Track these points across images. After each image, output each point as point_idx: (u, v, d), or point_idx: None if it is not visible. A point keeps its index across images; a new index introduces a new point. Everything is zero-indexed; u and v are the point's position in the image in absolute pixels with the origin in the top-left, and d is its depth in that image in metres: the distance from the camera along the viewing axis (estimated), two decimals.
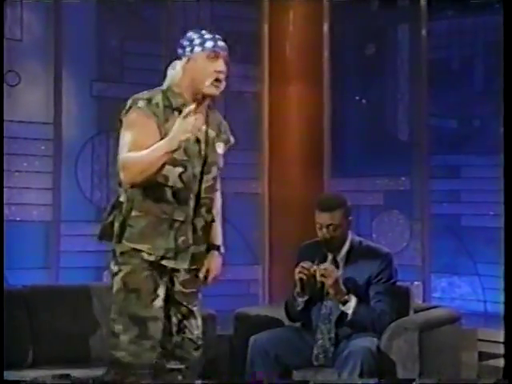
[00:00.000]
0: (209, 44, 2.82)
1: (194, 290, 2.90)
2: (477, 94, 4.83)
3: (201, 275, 2.90)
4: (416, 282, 4.70)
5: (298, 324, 3.62)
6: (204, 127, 2.83)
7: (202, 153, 2.83)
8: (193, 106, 2.65)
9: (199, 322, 2.93)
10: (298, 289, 3.44)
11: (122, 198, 2.81)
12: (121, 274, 2.80)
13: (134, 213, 2.78)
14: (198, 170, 2.82)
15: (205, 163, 2.83)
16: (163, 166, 2.68)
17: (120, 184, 2.81)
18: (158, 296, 2.79)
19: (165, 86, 2.83)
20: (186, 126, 2.62)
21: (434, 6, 4.77)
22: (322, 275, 3.36)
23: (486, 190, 4.70)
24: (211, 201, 2.90)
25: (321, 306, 3.48)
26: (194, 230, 2.83)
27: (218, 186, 2.99)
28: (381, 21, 5.03)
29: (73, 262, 4.35)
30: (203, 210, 2.86)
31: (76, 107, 4.39)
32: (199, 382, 2.93)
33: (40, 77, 4.36)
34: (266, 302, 4.80)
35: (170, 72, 2.85)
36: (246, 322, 3.74)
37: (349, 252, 3.50)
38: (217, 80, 2.78)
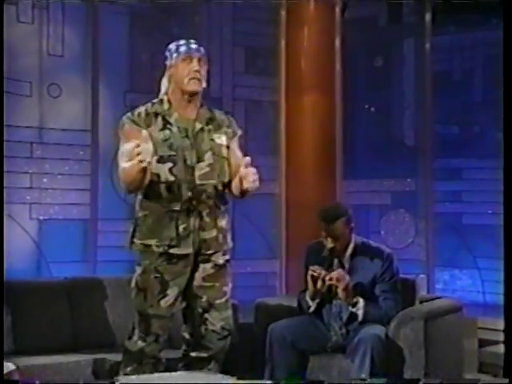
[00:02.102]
0: (182, 49, 2.90)
1: (215, 283, 2.88)
2: (476, 102, 4.81)
3: (239, 185, 2.77)
4: (421, 275, 4.67)
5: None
6: (192, 121, 2.88)
7: (192, 144, 2.86)
8: (138, 143, 2.69)
9: (224, 314, 2.89)
10: (310, 292, 3.44)
11: (135, 207, 2.89)
12: (135, 274, 2.87)
13: (141, 213, 2.85)
14: (192, 161, 2.84)
15: (196, 153, 2.86)
16: (145, 174, 2.70)
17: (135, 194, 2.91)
18: (166, 295, 2.81)
19: (156, 98, 2.94)
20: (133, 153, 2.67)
21: (437, 22, 4.76)
22: (335, 280, 3.34)
23: (485, 190, 4.69)
24: (210, 187, 2.86)
25: (331, 305, 3.47)
26: (201, 217, 2.83)
27: (239, 162, 2.88)
28: (388, 36, 5.01)
29: (108, 255, 4.36)
30: (204, 196, 2.84)
31: (111, 116, 4.38)
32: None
33: (79, 89, 4.40)
34: (283, 292, 4.79)
35: (161, 84, 2.96)
36: (265, 311, 3.72)
37: (353, 253, 3.48)
38: (194, 78, 2.85)
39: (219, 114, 2.99)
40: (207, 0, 4.79)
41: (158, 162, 2.81)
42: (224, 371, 2.89)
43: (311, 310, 3.49)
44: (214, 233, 2.87)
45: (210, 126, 2.92)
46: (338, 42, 4.86)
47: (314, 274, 3.36)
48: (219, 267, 2.90)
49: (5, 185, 4.07)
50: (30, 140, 4.30)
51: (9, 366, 2.56)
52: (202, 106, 2.95)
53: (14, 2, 4.23)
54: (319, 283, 3.38)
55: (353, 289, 3.39)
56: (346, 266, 3.48)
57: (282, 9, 4.86)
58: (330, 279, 3.35)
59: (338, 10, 4.88)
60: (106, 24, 4.43)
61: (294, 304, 3.63)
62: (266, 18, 4.88)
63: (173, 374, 2.73)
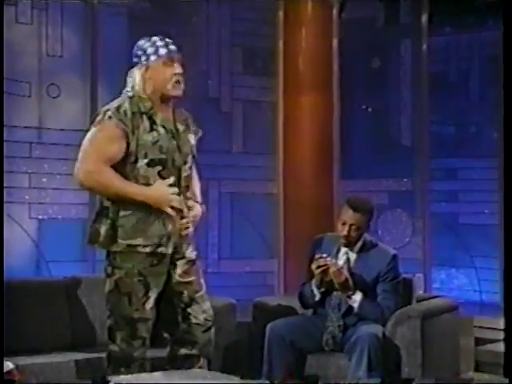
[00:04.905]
0: (162, 51, 2.77)
1: (192, 278, 2.85)
2: (472, 103, 4.84)
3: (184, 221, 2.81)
4: (418, 274, 4.69)
5: (310, 312, 3.63)
6: (172, 122, 2.80)
7: (179, 146, 2.79)
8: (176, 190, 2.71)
9: (204, 306, 2.86)
10: (317, 281, 3.43)
11: (106, 203, 2.76)
12: (114, 277, 2.77)
13: (122, 213, 2.73)
14: (180, 162, 2.79)
15: (180, 155, 2.80)
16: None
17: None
18: (149, 298, 2.75)
19: (130, 93, 2.77)
20: (169, 199, 2.68)
21: (433, 23, 4.79)
22: (335, 272, 3.35)
23: (482, 190, 4.70)
24: (187, 188, 2.85)
25: (331, 296, 3.47)
26: (182, 216, 2.79)
27: (195, 171, 2.94)
28: (385, 37, 5.04)
29: None
30: (181, 197, 2.81)
31: None
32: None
33: (78, 89, 4.41)
34: (282, 291, 4.81)
35: (130, 80, 2.80)
36: (264, 311, 3.68)
37: (360, 250, 3.48)
38: (177, 82, 2.75)
39: (185, 113, 2.93)
40: (206, 0, 4.78)
41: (148, 165, 2.73)
42: (223, 370, 2.87)
43: (316, 298, 3.48)
44: (189, 230, 2.85)
45: (185, 127, 2.88)
46: (335, 43, 4.89)
47: (321, 260, 3.33)
48: (192, 262, 2.88)
49: (4, 184, 4.07)
50: (29, 140, 4.31)
51: (8, 365, 2.55)
52: (175, 105, 2.86)
53: (13, 3, 4.22)
54: (327, 271, 3.34)
55: (355, 281, 3.38)
56: (352, 259, 3.49)
57: (280, 9, 4.88)
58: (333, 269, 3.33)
59: (335, 10, 4.90)
60: (105, 25, 4.45)
61: (292, 303, 3.63)
62: (263, 18, 4.90)
63: (172, 372, 2.71)
